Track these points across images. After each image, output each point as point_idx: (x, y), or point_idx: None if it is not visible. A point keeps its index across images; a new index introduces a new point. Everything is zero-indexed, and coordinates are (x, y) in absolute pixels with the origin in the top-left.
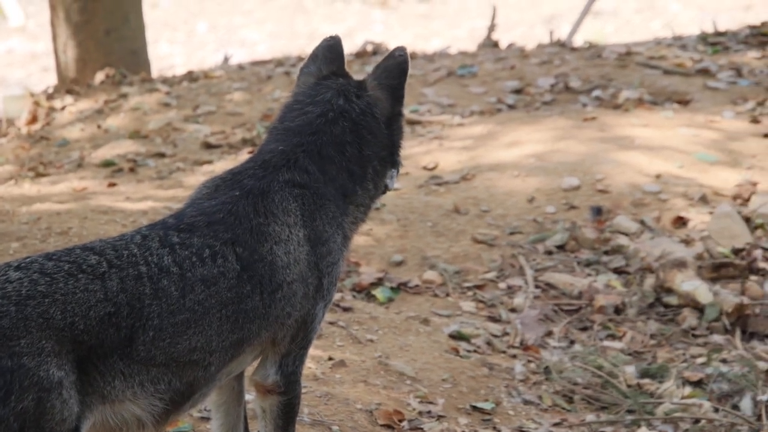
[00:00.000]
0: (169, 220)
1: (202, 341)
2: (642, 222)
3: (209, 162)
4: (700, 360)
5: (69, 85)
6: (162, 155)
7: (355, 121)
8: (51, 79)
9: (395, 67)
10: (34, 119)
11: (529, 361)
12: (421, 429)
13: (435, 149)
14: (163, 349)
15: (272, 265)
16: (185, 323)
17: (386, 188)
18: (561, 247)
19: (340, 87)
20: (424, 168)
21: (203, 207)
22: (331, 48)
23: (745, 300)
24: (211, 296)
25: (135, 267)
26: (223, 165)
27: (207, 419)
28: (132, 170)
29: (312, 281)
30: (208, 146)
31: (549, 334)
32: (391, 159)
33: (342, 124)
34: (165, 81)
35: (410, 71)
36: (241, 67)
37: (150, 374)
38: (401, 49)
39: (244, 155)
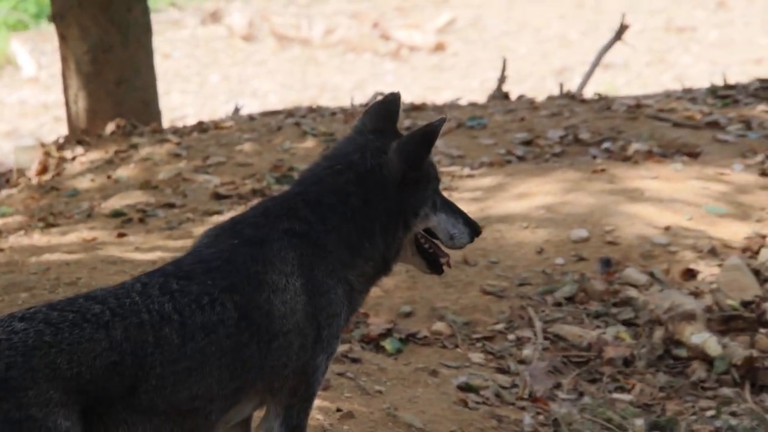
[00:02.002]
0: (168, 268)
1: (203, 389)
2: (651, 274)
3: (219, 212)
4: (709, 413)
5: (80, 135)
6: (172, 206)
7: (360, 175)
8: (63, 130)
9: (419, 136)
10: (44, 169)
11: (538, 413)
12: None
13: None
14: (165, 398)
15: (269, 315)
16: (186, 371)
17: (430, 252)
18: (570, 299)
19: (365, 144)
20: None
21: (202, 255)
22: (385, 104)
23: (755, 353)
24: (211, 344)
25: (137, 315)
26: (232, 215)
27: None
28: (141, 220)
29: (310, 332)
30: (217, 197)
31: (558, 386)
32: (404, 222)
33: (347, 175)
34: (175, 132)
35: (421, 122)
36: (251, 117)
37: (153, 423)
38: (440, 120)
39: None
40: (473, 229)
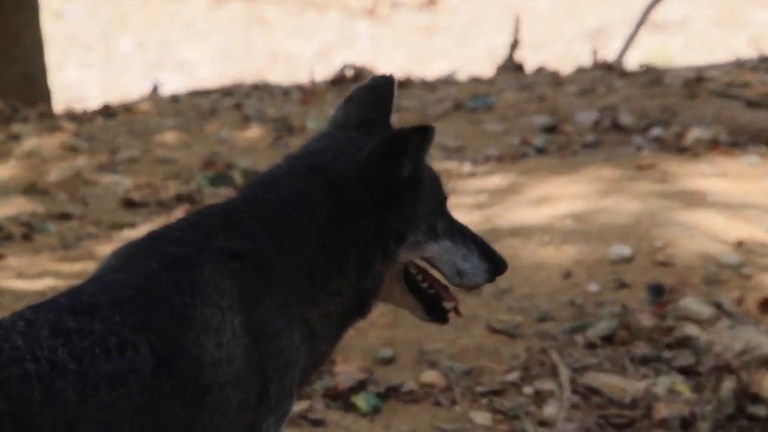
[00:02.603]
0: (61, 300)
1: None
2: (718, 305)
3: (131, 225)
4: None
5: None
6: (67, 216)
7: (331, 182)
8: None
9: (382, 148)
10: None
11: None
12: None
13: None
14: None
15: (198, 362)
16: None
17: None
18: (608, 339)
19: (343, 143)
20: None
21: (108, 282)
22: (374, 90)
23: None
24: (120, 401)
25: (19, 364)
26: (149, 229)
27: None
28: (26, 237)
29: (253, 387)
30: (129, 204)
31: None
32: (383, 249)
33: (314, 181)
34: (72, 117)
35: (406, 102)
36: (175, 98)
37: None
38: (418, 129)
39: (178, 216)
40: (494, 265)
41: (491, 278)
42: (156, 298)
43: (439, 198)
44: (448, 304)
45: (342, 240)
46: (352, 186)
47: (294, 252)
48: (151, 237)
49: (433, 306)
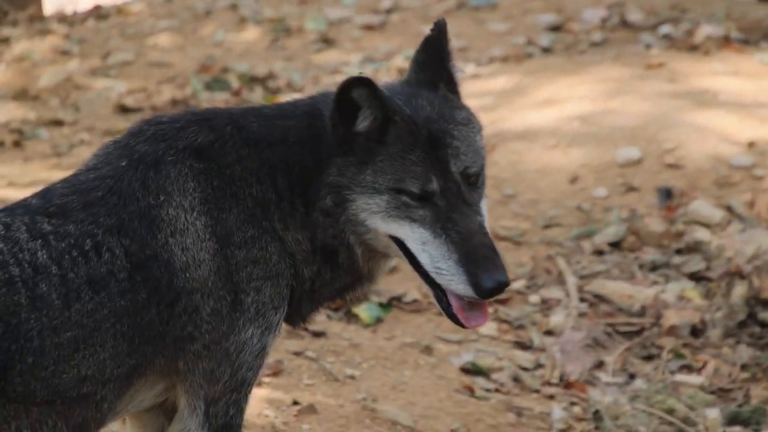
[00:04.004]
0: (32, 201)
1: (94, 367)
2: (729, 208)
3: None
4: None
5: None
6: (59, 123)
7: (316, 111)
8: None
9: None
10: None
11: (573, 404)
12: None
13: None
14: (46, 381)
15: (169, 265)
16: (72, 343)
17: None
18: (616, 245)
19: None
20: None
21: (78, 182)
22: (427, 47)
23: None
24: (102, 305)
25: (4, 268)
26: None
27: None
28: (17, 144)
29: (224, 296)
30: (123, 110)
31: (600, 365)
32: (319, 197)
33: (304, 107)
34: (63, 19)
35: (407, 2)
36: None
37: (30, 417)
38: (351, 80)
39: None
40: (474, 281)
41: (471, 293)
42: (124, 199)
43: (425, 185)
44: (455, 305)
45: (299, 167)
46: (323, 123)
47: (280, 144)
48: (130, 133)
49: (439, 294)
